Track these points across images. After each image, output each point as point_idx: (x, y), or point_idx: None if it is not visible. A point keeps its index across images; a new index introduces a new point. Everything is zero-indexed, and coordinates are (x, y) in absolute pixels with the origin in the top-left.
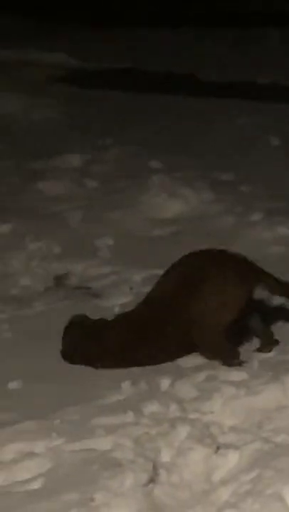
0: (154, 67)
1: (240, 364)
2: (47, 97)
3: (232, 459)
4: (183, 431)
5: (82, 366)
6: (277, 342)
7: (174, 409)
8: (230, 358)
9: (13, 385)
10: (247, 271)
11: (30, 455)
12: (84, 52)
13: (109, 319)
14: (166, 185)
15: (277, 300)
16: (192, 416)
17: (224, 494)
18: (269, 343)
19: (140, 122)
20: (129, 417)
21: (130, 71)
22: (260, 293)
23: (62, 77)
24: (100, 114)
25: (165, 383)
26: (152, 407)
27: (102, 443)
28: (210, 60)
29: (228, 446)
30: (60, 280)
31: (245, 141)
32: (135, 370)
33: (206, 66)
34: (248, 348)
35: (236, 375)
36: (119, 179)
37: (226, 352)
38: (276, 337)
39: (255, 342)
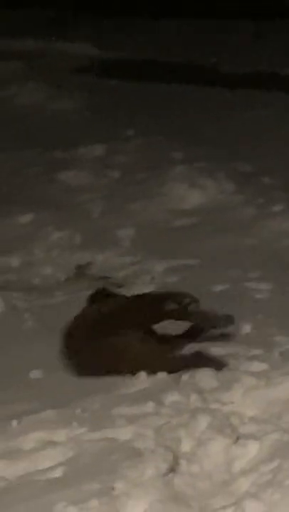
0: (175, 58)
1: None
2: (69, 86)
3: (252, 450)
4: (203, 421)
5: None
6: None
7: (194, 400)
8: None
9: (34, 374)
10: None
11: (51, 444)
12: (106, 43)
13: None
14: (187, 176)
15: None
16: (212, 406)
17: (244, 484)
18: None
19: (161, 113)
20: (150, 407)
21: (151, 61)
22: None
23: (84, 67)
24: (121, 105)
25: (185, 373)
26: (173, 397)
27: (123, 432)
28: (229, 51)
29: (249, 436)
30: (81, 270)
31: (266, 132)
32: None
33: (226, 57)
34: (267, 340)
35: (257, 365)
36: (140, 170)
37: None
38: None
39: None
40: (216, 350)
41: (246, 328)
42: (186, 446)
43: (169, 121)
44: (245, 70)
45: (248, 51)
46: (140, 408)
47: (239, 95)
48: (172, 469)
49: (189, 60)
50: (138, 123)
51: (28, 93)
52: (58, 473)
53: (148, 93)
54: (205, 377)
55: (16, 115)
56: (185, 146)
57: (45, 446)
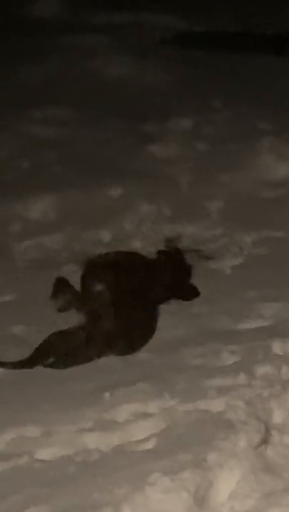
0: (262, 29)
1: None
2: (156, 59)
3: None
4: None
5: None
6: None
7: (286, 371)
8: None
9: None
10: None
11: (144, 415)
12: (193, 15)
13: None
14: (276, 147)
15: None
16: None
17: None
18: None
19: (249, 84)
20: (242, 378)
21: (238, 33)
22: None
23: (171, 40)
24: (208, 77)
25: (277, 345)
26: (264, 369)
27: (215, 404)
28: None
29: None
30: (171, 242)
31: None
32: (247, 332)
33: None
34: None
35: None
36: (229, 141)
37: None
38: None
39: None
40: None
41: None
42: (278, 418)
43: (257, 93)
44: None
45: None
46: (231, 380)
47: None
48: (264, 441)
49: (277, 31)
50: (225, 94)
51: (115, 66)
52: (151, 444)
53: (234, 65)
54: None
55: (103, 87)
56: (273, 117)
57: (138, 418)
